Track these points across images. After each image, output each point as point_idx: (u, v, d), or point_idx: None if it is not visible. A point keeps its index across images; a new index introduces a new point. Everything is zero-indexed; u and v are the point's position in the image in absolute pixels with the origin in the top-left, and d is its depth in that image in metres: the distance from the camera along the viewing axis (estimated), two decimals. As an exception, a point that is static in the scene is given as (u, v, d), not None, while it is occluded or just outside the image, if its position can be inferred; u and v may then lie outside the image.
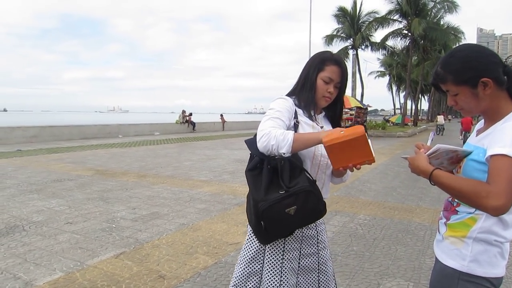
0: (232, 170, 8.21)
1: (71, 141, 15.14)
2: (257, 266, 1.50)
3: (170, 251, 3.41)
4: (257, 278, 1.50)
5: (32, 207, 4.96)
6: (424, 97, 62.68)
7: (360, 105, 20.31)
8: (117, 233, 3.93)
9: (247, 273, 1.51)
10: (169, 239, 3.74)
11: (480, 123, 1.30)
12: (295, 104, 1.53)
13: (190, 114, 24.42)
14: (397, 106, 66.87)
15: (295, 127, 1.48)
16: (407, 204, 5.37)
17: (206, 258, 3.27)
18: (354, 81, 31.00)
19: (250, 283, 1.50)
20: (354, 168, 1.35)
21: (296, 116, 1.50)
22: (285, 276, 1.47)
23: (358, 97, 29.77)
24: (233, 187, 6.37)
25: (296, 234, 1.49)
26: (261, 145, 1.36)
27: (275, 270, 1.47)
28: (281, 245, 1.48)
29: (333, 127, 1.60)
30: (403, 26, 29.56)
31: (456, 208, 1.24)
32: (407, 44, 31.17)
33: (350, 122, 18.97)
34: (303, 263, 1.53)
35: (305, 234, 1.53)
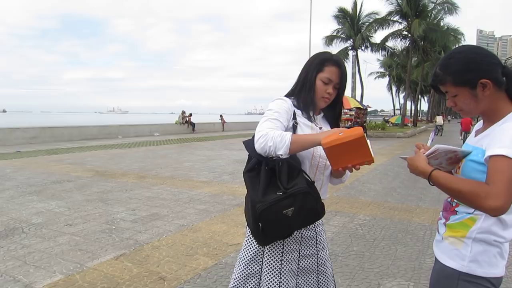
0: (232, 171, 8.21)
1: (71, 142, 15.14)
2: (256, 268, 1.50)
3: (170, 252, 3.41)
4: (256, 280, 1.50)
5: (31, 209, 4.96)
6: (423, 98, 62.73)
7: (359, 106, 20.33)
8: (117, 234, 3.93)
9: (246, 274, 1.51)
10: (169, 240, 3.74)
11: (479, 124, 1.31)
12: (294, 105, 1.53)
13: (190, 115, 24.43)
14: (397, 106, 66.96)
15: (294, 128, 1.48)
16: (407, 205, 5.37)
17: (206, 259, 3.27)
18: (354, 82, 31.04)
19: (249, 285, 1.50)
20: (353, 168, 1.35)
21: (294, 117, 1.50)
22: (284, 278, 1.47)
23: (358, 97, 29.79)
24: (233, 188, 6.37)
25: (295, 235, 1.49)
26: (258, 146, 1.35)
27: (274, 272, 1.47)
28: (280, 246, 1.48)
29: (332, 128, 1.59)
30: (403, 27, 29.61)
31: (455, 209, 1.24)
32: (407, 45, 31.23)
33: (349, 123, 18.99)
34: (302, 264, 1.53)
35: (304, 235, 1.53)
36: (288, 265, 1.48)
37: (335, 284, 1.65)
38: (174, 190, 6.22)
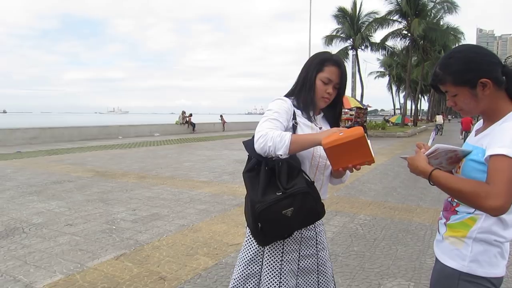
0: (232, 171, 8.20)
1: (71, 143, 15.14)
2: (256, 268, 1.50)
3: (171, 252, 3.41)
4: (256, 280, 1.49)
5: (32, 209, 4.96)
6: (423, 97, 62.73)
7: (360, 106, 20.32)
8: (117, 234, 3.93)
9: (246, 274, 1.50)
10: (169, 240, 3.74)
11: (479, 123, 1.30)
12: (293, 105, 1.53)
13: (190, 115, 24.43)
14: (397, 106, 66.96)
15: (294, 128, 1.47)
16: (407, 204, 5.37)
17: (206, 259, 3.27)
18: (354, 82, 31.04)
19: (249, 285, 1.50)
20: (353, 168, 1.35)
21: (294, 117, 1.49)
22: (284, 278, 1.47)
23: (358, 97, 29.78)
24: (233, 188, 6.37)
25: (295, 236, 1.48)
26: (258, 146, 1.35)
27: (274, 272, 1.47)
28: (280, 246, 1.48)
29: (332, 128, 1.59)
30: (403, 27, 29.60)
31: (456, 208, 1.24)
32: (406, 44, 31.22)
33: (350, 122, 18.98)
34: (302, 264, 1.53)
35: (304, 235, 1.53)
36: (288, 265, 1.48)
37: (335, 284, 1.64)
38: (175, 190, 6.22)
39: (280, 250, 1.48)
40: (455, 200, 1.24)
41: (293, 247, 1.50)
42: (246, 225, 1.51)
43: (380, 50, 33.36)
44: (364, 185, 6.78)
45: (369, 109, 25.26)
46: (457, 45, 1.40)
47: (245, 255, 1.52)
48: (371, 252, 3.47)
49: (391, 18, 29.42)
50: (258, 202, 1.30)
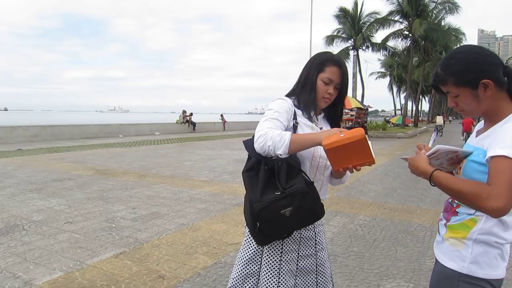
0: (232, 170, 8.20)
1: (72, 141, 15.16)
2: (255, 268, 1.49)
3: (170, 251, 3.41)
4: (254, 280, 1.49)
5: (32, 206, 4.96)
6: (424, 98, 62.68)
7: (360, 106, 20.31)
8: (117, 232, 3.93)
9: (245, 274, 1.50)
10: (169, 239, 3.74)
11: (480, 124, 1.30)
12: (294, 105, 1.52)
13: (191, 114, 24.44)
14: (398, 107, 66.91)
15: (294, 128, 1.47)
16: (407, 205, 5.36)
17: (205, 258, 3.27)
18: (354, 82, 31.05)
19: (248, 284, 1.50)
20: (354, 169, 1.34)
21: (295, 117, 1.49)
22: (283, 278, 1.46)
23: (359, 97, 29.78)
24: (233, 187, 6.37)
25: (294, 236, 1.48)
26: (257, 146, 1.35)
27: (273, 272, 1.46)
28: (279, 246, 1.47)
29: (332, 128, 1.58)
30: (404, 27, 29.56)
31: (456, 210, 1.23)
32: (408, 45, 31.17)
33: (350, 123, 18.98)
34: (301, 264, 1.53)
35: (303, 235, 1.52)
36: (287, 265, 1.48)
37: (333, 285, 1.64)
38: (175, 189, 6.22)
39: (279, 250, 1.47)
40: (456, 201, 1.24)
41: (292, 247, 1.50)
42: (245, 224, 1.51)
43: (381, 50, 33.37)
44: (364, 186, 6.78)
45: (369, 109, 25.25)
46: (458, 46, 1.39)
47: (244, 254, 1.52)
48: (370, 253, 3.46)
49: (392, 18, 29.40)
50: (256, 202, 1.30)
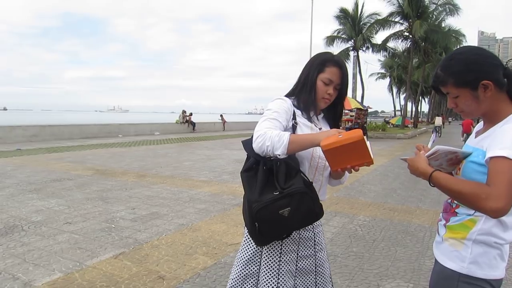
0: (232, 171, 8.20)
1: (71, 141, 15.15)
2: (254, 268, 1.49)
3: (170, 252, 3.41)
4: (253, 280, 1.49)
5: (31, 206, 4.96)
6: (424, 99, 62.72)
7: (360, 107, 20.32)
8: (116, 233, 3.93)
9: (244, 275, 1.50)
10: (169, 240, 3.73)
11: (479, 125, 1.30)
12: (294, 105, 1.52)
13: (191, 114, 24.45)
14: (398, 108, 66.92)
15: (293, 128, 1.47)
16: (407, 206, 5.36)
17: (205, 258, 3.27)
18: (354, 83, 31.05)
19: (247, 285, 1.49)
20: (352, 170, 1.34)
21: (294, 117, 1.49)
22: (282, 278, 1.46)
23: (359, 98, 29.79)
24: (233, 188, 6.37)
25: (293, 236, 1.48)
26: (256, 146, 1.35)
27: (272, 272, 1.46)
28: (278, 247, 1.47)
29: (331, 129, 1.58)
30: (404, 28, 29.58)
31: (456, 210, 1.23)
32: (408, 46, 31.19)
33: (350, 123, 18.98)
34: (300, 265, 1.52)
35: (302, 236, 1.52)
36: (286, 266, 1.48)
37: (332, 285, 1.64)
38: (174, 189, 6.22)
39: (278, 251, 1.47)
40: (455, 202, 1.24)
41: (291, 247, 1.50)
42: (244, 225, 1.51)
43: (381, 51, 33.36)
44: (364, 186, 6.78)
45: (369, 110, 25.26)
46: (458, 47, 1.39)
47: (243, 255, 1.52)
48: (370, 253, 3.46)
49: (393, 19, 29.42)
50: (255, 202, 1.30)
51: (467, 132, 15.47)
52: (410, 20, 28.39)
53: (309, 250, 1.54)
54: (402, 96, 61.24)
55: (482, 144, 1.16)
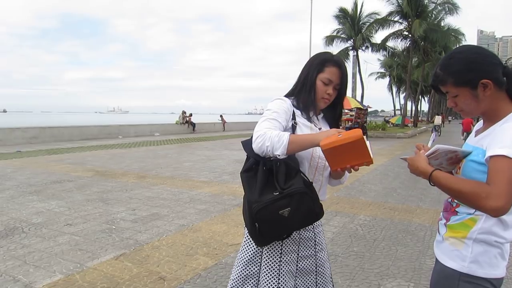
0: (232, 171, 8.20)
1: (71, 142, 15.14)
2: (254, 269, 1.49)
3: (170, 252, 3.41)
4: (254, 281, 1.49)
5: (31, 208, 4.96)
6: (424, 98, 62.71)
7: (360, 106, 20.31)
8: (117, 234, 3.93)
9: (244, 275, 1.50)
10: (169, 240, 3.73)
11: (479, 124, 1.30)
12: (293, 105, 1.52)
13: (190, 115, 24.44)
14: (397, 107, 66.94)
15: (293, 128, 1.47)
16: (407, 205, 5.36)
17: (206, 259, 3.27)
18: (354, 82, 31.04)
19: (247, 286, 1.49)
20: (352, 169, 1.34)
21: (294, 117, 1.49)
22: (283, 279, 1.46)
23: (358, 98, 29.78)
24: (233, 188, 6.37)
25: (293, 236, 1.48)
26: (256, 146, 1.35)
27: (273, 273, 1.46)
28: (279, 247, 1.47)
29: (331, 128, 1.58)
30: (404, 28, 29.57)
31: (456, 209, 1.23)
32: (407, 45, 31.19)
33: (350, 123, 18.98)
34: (301, 265, 1.52)
35: (303, 236, 1.52)
36: (286, 266, 1.48)
37: (333, 285, 1.64)
38: (174, 190, 6.22)
39: (278, 251, 1.47)
40: (455, 201, 1.24)
41: (292, 248, 1.50)
42: (244, 225, 1.51)
43: (380, 51, 33.36)
44: (364, 186, 6.78)
45: (369, 109, 25.27)
46: (457, 46, 1.39)
47: (243, 256, 1.52)
48: (371, 253, 3.46)
49: (392, 19, 29.41)
50: (255, 202, 1.30)
51: (467, 131, 15.47)
52: (410, 19, 28.39)
53: (309, 250, 1.54)
54: (402, 95, 61.32)
55: (482, 143, 1.16)
